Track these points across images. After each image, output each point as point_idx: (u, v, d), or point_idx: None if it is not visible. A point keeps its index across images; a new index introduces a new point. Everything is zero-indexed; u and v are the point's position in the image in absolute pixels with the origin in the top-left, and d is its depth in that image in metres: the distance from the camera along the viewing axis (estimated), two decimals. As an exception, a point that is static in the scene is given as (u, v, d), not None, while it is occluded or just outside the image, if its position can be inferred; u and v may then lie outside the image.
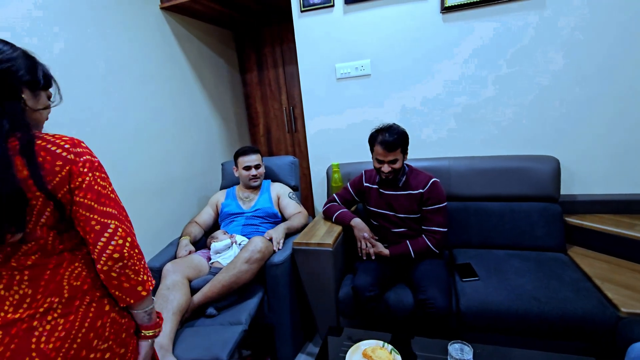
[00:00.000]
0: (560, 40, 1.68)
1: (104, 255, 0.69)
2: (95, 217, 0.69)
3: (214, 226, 1.97)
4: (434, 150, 1.98)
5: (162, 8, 2.23)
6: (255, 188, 1.96)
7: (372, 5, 1.89)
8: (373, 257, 1.56)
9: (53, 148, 0.69)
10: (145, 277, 0.74)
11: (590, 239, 1.67)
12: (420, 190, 1.53)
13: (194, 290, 1.45)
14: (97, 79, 1.80)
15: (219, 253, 1.63)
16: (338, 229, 1.66)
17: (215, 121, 2.81)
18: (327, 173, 2.06)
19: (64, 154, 0.69)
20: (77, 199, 0.70)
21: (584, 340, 1.27)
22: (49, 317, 0.68)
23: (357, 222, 1.62)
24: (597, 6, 1.60)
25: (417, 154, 1.98)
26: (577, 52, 1.67)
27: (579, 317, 1.25)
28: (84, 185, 0.70)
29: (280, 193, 1.95)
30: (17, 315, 0.67)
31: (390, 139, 1.46)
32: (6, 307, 0.67)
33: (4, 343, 0.66)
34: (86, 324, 0.71)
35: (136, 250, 0.72)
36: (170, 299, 1.31)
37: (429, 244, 1.53)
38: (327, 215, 1.75)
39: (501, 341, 1.33)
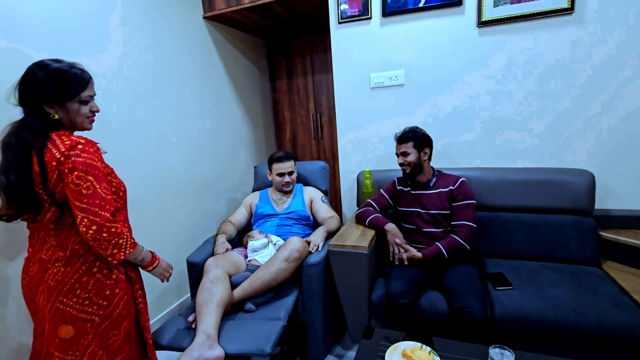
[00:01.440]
0: (597, 56, 1.71)
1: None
2: (73, 209, 0.96)
3: (247, 226, 2.03)
4: (465, 160, 2.01)
5: (204, 17, 2.35)
6: (288, 192, 2.02)
7: (409, 18, 1.95)
8: (406, 262, 1.58)
9: (54, 151, 0.94)
10: (115, 251, 1.00)
11: (626, 254, 1.66)
12: (451, 187, 1.65)
13: (232, 286, 1.50)
14: (146, 81, 1.92)
15: (256, 251, 1.68)
16: (371, 232, 1.69)
17: (246, 125, 2.90)
18: (358, 179, 2.11)
19: (58, 155, 0.94)
20: (67, 193, 0.97)
21: (626, 355, 1.27)
22: (57, 264, 1.01)
23: (391, 227, 1.66)
24: (635, 22, 1.63)
25: (448, 163, 2.01)
26: (612, 68, 1.69)
27: (619, 329, 1.25)
28: (68, 181, 0.95)
29: (313, 197, 2.00)
30: (45, 257, 1.01)
31: (401, 133, 1.69)
32: (44, 250, 1.01)
33: (35, 271, 1.02)
34: (75, 277, 1.01)
35: (104, 235, 0.96)
36: (214, 292, 1.36)
37: (458, 239, 1.56)
38: (361, 219, 1.79)
39: (536, 350, 1.33)
